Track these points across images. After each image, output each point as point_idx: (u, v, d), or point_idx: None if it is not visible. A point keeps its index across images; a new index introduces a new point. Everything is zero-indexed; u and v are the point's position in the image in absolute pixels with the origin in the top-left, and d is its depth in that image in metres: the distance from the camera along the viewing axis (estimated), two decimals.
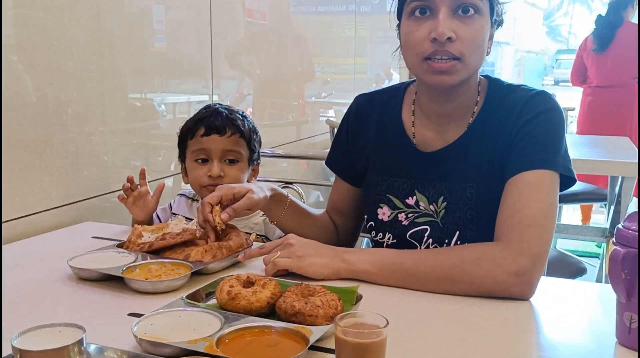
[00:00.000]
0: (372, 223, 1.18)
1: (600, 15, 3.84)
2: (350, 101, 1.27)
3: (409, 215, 1.13)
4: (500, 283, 0.93)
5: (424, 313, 0.90)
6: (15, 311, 0.88)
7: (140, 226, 1.16)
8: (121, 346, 0.75)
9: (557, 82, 16.40)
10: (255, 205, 1.12)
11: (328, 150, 1.31)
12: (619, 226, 0.80)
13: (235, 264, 1.09)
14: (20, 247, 1.22)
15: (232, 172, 1.33)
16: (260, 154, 1.44)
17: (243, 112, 1.40)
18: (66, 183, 1.41)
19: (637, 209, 0.78)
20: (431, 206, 1.12)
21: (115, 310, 0.90)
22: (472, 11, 1.00)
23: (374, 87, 3.59)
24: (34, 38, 1.30)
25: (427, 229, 1.12)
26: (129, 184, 1.34)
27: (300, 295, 0.87)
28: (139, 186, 1.35)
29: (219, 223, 1.08)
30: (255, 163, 1.41)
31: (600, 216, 4.08)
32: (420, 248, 1.13)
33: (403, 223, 1.14)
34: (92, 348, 0.73)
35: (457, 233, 1.09)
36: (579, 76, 3.98)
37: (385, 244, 1.16)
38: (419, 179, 1.13)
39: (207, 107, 1.39)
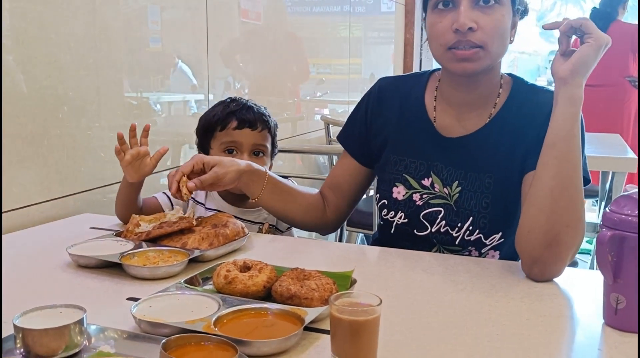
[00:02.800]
0: (384, 201, 1.20)
1: (595, 7, 3.89)
2: (345, 99, 1.29)
3: (424, 196, 1.17)
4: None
5: (416, 297, 0.92)
6: (16, 297, 0.89)
7: (137, 215, 1.18)
8: (120, 328, 0.76)
9: (549, 83, 16.45)
10: (222, 179, 1.13)
11: (324, 144, 1.33)
12: (606, 209, 0.82)
13: (232, 252, 1.11)
14: (19, 237, 1.23)
15: (258, 164, 1.36)
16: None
17: (267, 109, 1.43)
18: (64, 174, 1.42)
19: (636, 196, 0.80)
20: (445, 189, 1.15)
21: (114, 295, 0.91)
22: (492, 1, 1.04)
23: (369, 87, 3.60)
24: (31, 31, 1.32)
25: (441, 211, 1.15)
26: (119, 147, 1.23)
27: (295, 279, 0.88)
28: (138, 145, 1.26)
29: (185, 194, 1.10)
30: (274, 156, 1.46)
31: (592, 214, 4.11)
32: (432, 229, 1.16)
33: (417, 203, 1.17)
34: (92, 328, 0.75)
35: (471, 218, 1.13)
36: None
37: (395, 223, 1.19)
38: (434, 161, 1.16)
39: (233, 100, 1.41)
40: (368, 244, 2.55)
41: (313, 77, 3.10)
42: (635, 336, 0.78)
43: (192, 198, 1.40)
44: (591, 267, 2.83)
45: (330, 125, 2.42)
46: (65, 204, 1.43)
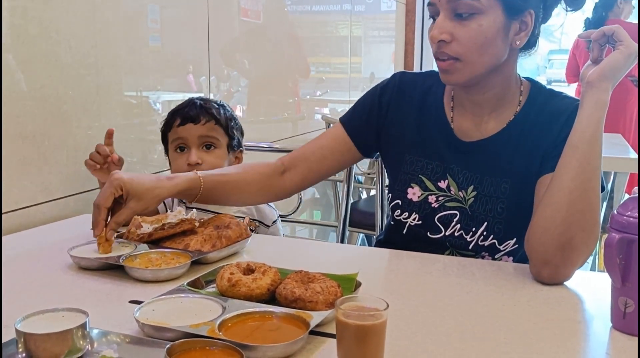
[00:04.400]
0: (398, 201, 1.19)
1: (587, 18, 3.89)
2: (346, 98, 1.29)
3: (440, 198, 1.16)
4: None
5: (422, 300, 0.91)
6: (17, 300, 0.88)
7: (139, 216, 1.17)
8: (123, 331, 0.75)
9: (549, 82, 16.50)
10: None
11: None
12: (614, 212, 0.81)
13: (235, 254, 1.10)
14: (20, 238, 1.22)
15: (209, 158, 1.39)
16: (259, 148, 1.47)
17: (220, 101, 1.46)
18: (65, 175, 1.41)
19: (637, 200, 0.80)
20: (460, 193, 1.14)
21: (117, 297, 0.90)
22: (467, 14, 1.04)
23: (369, 86, 3.60)
24: (32, 30, 1.31)
25: (456, 214, 1.14)
26: (99, 155, 1.30)
27: (300, 281, 0.88)
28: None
29: (105, 251, 1.03)
30: (236, 149, 1.45)
31: None
32: (446, 232, 1.15)
33: (433, 205, 1.16)
34: (95, 332, 0.74)
35: (485, 223, 1.12)
36: (573, 74, 4.03)
37: (408, 224, 1.18)
38: (451, 164, 1.16)
39: (183, 103, 1.45)
40: (369, 245, 2.57)
41: (313, 76, 3.09)
42: None
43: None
44: (592, 268, 2.83)
45: (331, 124, 2.41)
46: (66, 204, 1.42)
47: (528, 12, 1.07)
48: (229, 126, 1.42)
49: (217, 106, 1.42)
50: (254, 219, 1.42)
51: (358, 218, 2.35)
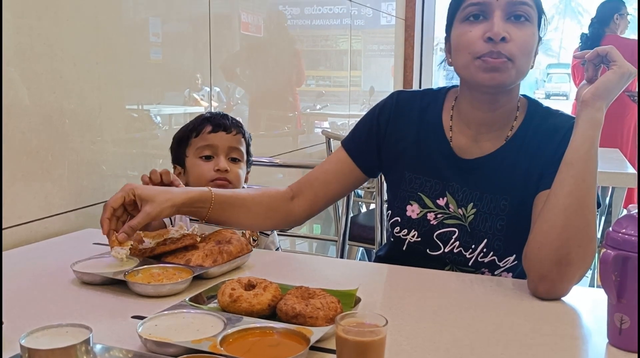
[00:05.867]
0: (398, 218, 1.20)
1: (584, 33, 3.94)
2: (345, 112, 1.30)
3: (438, 215, 1.17)
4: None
5: (421, 315, 0.92)
6: (20, 315, 0.89)
7: (141, 231, 1.18)
8: (126, 347, 0.76)
9: (548, 96, 16.62)
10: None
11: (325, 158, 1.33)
12: (609, 229, 0.82)
13: (236, 268, 1.11)
14: (23, 253, 1.23)
15: (235, 169, 1.41)
16: (259, 163, 1.49)
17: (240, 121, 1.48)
18: (67, 190, 1.43)
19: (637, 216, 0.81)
20: (460, 210, 1.15)
21: (119, 312, 0.91)
22: (523, 18, 1.06)
23: (369, 100, 3.63)
24: (37, 47, 1.33)
25: (455, 231, 1.15)
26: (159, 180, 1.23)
27: (300, 297, 0.89)
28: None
29: (117, 253, 1.03)
30: (250, 167, 1.49)
31: None
32: (445, 249, 1.16)
33: (431, 223, 1.17)
34: (98, 347, 0.75)
35: (485, 240, 1.13)
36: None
37: (408, 241, 1.19)
38: (450, 181, 1.17)
39: (208, 113, 1.46)
40: (369, 259, 2.57)
41: (313, 89, 3.11)
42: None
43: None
44: (591, 284, 2.83)
45: (331, 139, 2.43)
46: (68, 219, 1.43)
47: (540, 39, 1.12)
48: (249, 144, 1.47)
49: (241, 123, 1.46)
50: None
51: (357, 232, 2.36)
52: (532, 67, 1.12)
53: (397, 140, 1.23)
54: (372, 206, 2.87)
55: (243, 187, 1.44)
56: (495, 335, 0.85)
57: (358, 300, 0.92)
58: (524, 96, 1.19)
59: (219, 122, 1.41)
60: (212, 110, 2.05)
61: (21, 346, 0.69)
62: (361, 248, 2.58)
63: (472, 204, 1.15)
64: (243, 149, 1.43)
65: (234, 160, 1.42)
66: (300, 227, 1.54)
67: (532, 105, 1.18)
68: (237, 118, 1.48)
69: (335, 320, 0.71)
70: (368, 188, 2.67)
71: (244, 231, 1.41)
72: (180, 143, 1.44)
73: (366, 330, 0.70)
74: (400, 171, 1.22)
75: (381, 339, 0.70)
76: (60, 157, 1.40)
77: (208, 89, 2.03)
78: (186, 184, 1.35)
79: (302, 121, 2.97)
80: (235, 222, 1.21)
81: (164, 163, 1.76)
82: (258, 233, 1.44)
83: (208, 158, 1.40)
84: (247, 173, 1.49)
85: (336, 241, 1.83)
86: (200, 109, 2.01)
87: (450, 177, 1.17)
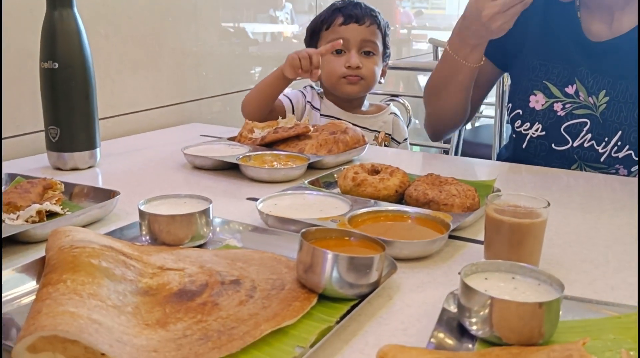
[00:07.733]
0: (519, 111, 1.08)
1: None
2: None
3: (567, 105, 1.04)
4: None
5: (568, 213, 0.80)
6: (134, 190, 0.86)
7: (251, 121, 1.12)
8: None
9: None
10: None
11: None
12: None
13: (351, 161, 1.03)
14: (130, 141, 1.21)
15: (368, 64, 1.29)
16: None
17: (377, 9, 1.34)
18: (173, 82, 1.38)
19: None
20: (590, 99, 1.02)
21: (233, 194, 0.86)
22: (371, 53, 1.22)
23: None
24: None
25: (586, 123, 1.02)
26: (309, 65, 1.18)
27: (431, 184, 0.79)
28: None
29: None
30: (387, 60, 1.36)
31: None
32: (574, 143, 1.04)
33: (558, 114, 1.04)
34: (217, 220, 0.69)
35: (620, 132, 1.00)
36: None
37: (530, 136, 1.07)
38: (579, 66, 1.03)
39: (340, 1, 1.33)
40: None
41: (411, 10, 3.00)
42: None
43: (309, 101, 1.34)
44: None
45: (439, 47, 2.27)
46: (174, 112, 1.39)
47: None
48: (386, 34, 1.33)
49: (377, 11, 1.32)
50: (388, 134, 1.34)
51: (464, 149, 2.22)
52: (380, 83, 1.30)
53: (520, 23, 1.08)
54: (477, 124, 2.71)
55: (380, 82, 1.34)
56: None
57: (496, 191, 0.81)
58: None
59: (350, 12, 1.28)
60: None
61: (140, 211, 0.65)
62: None
63: (604, 91, 1.01)
64: (378, 41, 1.30)
65: (368, 53, 1.30)
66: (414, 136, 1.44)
67: None
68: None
69: (487, 199, 0.61)
70: None
71: (377, 135, 1.32)
72: (313, 36, 1.34)
73: (524, 211, 0.59)
74: (523, 59, 1.09)
75: (541, 222, 0.59)
76: (167, 46, 1.35)
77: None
78: (320, 80, 1.31)
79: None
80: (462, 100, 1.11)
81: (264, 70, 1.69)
82: (390, 138, 1.35)
83: (339, 53, 1.29)
84: (385, 65, 1.36)
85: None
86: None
87: (579, 61, 1.03)
